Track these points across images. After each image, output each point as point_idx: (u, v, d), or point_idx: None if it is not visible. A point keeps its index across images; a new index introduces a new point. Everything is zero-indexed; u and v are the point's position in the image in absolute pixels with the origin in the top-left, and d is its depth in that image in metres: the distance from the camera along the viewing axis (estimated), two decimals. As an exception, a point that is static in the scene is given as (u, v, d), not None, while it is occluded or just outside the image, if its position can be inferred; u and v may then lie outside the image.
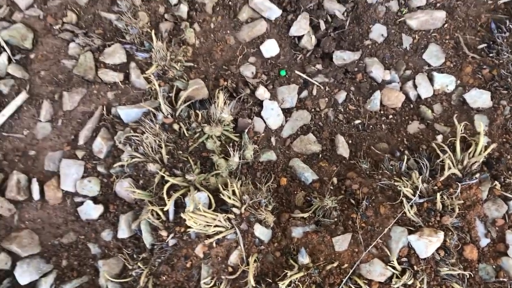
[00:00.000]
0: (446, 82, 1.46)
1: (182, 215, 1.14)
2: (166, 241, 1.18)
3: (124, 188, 1.30)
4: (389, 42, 1.44)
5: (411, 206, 1.18)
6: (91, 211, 1.30)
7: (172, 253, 1.20)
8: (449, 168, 1.24)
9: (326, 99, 1.36)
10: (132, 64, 1.32)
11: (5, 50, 1.36)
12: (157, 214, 1.21)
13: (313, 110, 1.37)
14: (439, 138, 1.35)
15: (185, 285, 1.18)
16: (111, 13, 1.32)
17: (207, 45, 1.35)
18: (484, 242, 1.21)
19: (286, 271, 1.14)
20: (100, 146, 1.28)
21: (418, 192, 1.21)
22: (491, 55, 1.41)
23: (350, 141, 1.34)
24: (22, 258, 1.29)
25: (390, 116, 1.38)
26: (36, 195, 1.27)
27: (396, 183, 1.22)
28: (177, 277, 1.18)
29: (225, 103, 1.28)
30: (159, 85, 1.25)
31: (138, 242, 1.29)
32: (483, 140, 1.24)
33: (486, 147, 1.27)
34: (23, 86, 1.36)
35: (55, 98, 1.33)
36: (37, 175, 1.36)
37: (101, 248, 1.26)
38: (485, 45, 1.42)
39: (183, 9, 1.32)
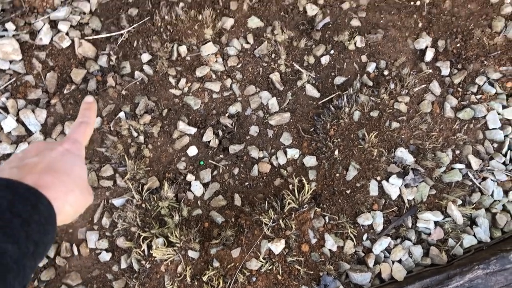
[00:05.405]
0: (293, 153, 2.12)
1: (151, 251, 1.92)
2: (145, 266, 1.93)
3: (121, 242, 2.00)
4: (260, 135, 2.16)
5: (268, 228, 1.97)
6: (105, 256, 1.97)
7: (149, 271, 1.92)
8: (289, 204, 2.00)
9: (228, 173, 2.10)
10: (117, 175, 2.04)
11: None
12: (139, 253, 1.95)
13: (220, 181, 2.10)
14: (291, 186, 2.21)
15: (158, 287, 2.03)
16: (102, 148, 2.07)
17: (157, 155, 2.09)
18: (313, 241, 1.93)
19: (206, 271, 1.91)
20: (105, 221, 2.00)
21: (271, 220, 1.93)
22: (315, 135, 2.16)
23: (242, 196, 2.07)
24: (73, 286, 1.95)
25: (264, 178, 2.13)
26: (75, 252, 1.99)
27: (261, 217, 2.08)
28: (153, 284, 1.93)
29: (169, 187, 2.04)
30: (132, 184, 2.02)
31: (131, 269, 1.95)
32: (307, 186, 1.99)
33: (311, 189, 2.10)
34: (61, 195, 2.28)
35: (79, 199, 2.23)
36: (75, 242, 2.00)
37: (113, 275, 1.96)
38: (312, 129, 2.21)
39: (141, 138, 2.10)
